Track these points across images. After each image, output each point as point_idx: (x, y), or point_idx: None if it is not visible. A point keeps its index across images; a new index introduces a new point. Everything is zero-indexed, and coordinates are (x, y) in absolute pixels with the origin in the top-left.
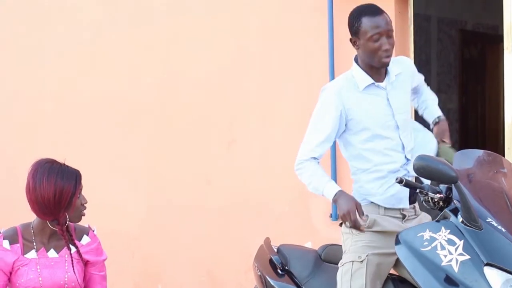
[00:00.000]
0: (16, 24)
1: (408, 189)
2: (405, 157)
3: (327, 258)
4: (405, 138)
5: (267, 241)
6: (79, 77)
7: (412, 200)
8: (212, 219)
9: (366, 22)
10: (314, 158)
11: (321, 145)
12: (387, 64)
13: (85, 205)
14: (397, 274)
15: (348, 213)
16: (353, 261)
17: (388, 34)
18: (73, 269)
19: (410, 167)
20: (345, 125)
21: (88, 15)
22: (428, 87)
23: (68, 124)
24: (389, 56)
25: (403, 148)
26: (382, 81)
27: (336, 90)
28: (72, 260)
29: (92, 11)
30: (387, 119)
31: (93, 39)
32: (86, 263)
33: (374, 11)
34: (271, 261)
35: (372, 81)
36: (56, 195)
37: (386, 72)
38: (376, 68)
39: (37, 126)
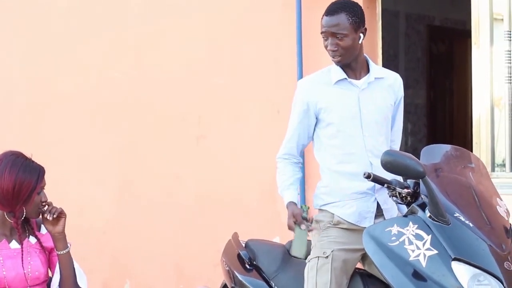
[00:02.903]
0: None
1: (375, 207)
2: (369, 161)
3: None
4: (368, 140)
5: (235, 236)
6: (49, 72)
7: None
8: (181, 214)
9: (321, 20)
10: (288, 154)
11: (290, 141)
12: (338, 63)
13: (44, 202)
14: (364, 269)
15: (291, 216)
16: (318, 257)
17: (334, 35)
18: (27, 260)
19: (380, 192)
20: (316, 118)
21: (59, 11)
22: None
23: (37, 120)
24: (336, 56)
25: (366, 150)
26: (358, 79)
27: (304, 84)
28: (23, 251)
29: (64, 7)
30: (352, 116)
31: (63, 35)
32: (50, 251)
33: (328, 10)
34: (239, 256)
35: (345, 76)
36: (16, 187)
37: (368, 72)
38: (353, 65)
39: (7, 122)
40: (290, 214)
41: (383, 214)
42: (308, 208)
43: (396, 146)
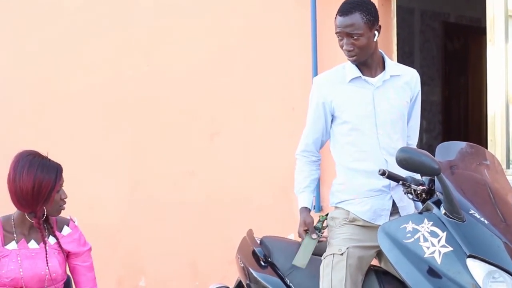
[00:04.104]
0: None
1: (390, 204)
2: (384, 158)
3: None
4: (383, 138)
5: (250, 233)
6: (61, 71)
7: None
8: (195, 212)
9: (335, 20)
10: (307, 151)
11: (307, 137)
12: (354, 62)
13: (64, 199)
14: (380, 266)
15: (303, 224)
16: (334, 254)
17: (349, 35)
18: (45, 260)
19: (395, 190)
20: (332, 115)
21: (70, 9)
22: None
23: (50, 118)
24: (352, 56)
25: (380, 148)
26: (373, 77)
27: (318, 82)
28: (47, 251)
29: (75, 5)
30: (366, 115)
31: (75, 33)
32: (68, 254)
33: (342, 10)
34: (254, 253)
35: (359, 74)
36: (35, 188)
37: (384, 70)
38: (368, 62)
39: (19, 120)
40: (302, 221)
41: (398, 212)
42: (325, 218)
43: (412, 142)
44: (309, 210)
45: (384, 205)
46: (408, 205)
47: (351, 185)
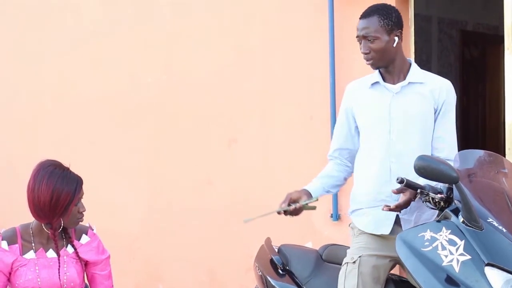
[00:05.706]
0: (17, 23)
1: (394, 214)
2: (389, 166)
3: (328, 258)
4: (395, 144)
5: (268, 241)
6: (80, 76)
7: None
8: (213, 219)
9: (357, 24)
10: (332, 156)
11: (333, 142)
12: (372, 66)
13: (82, 212)
14: (399, 275)
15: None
16: (347, 263)
17: (365, 38)
18: (63, 269)
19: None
20: (355, 121)
21: (88, 14)
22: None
23: (69, 124)
24: (369, 59)
25: (389, 154)
26: (394, 83)
27: (349, 87)
28: (60, 263)
29: (93, 10)
30: (380, 120)
31: (93, 38)
32: (86, 263)
33: (363, 14)
34: (272, 261)
35: (378, 79)
36: (53, 199)
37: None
38: (390, 69)
39: (38, 126)
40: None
41: (401, 225)
42: (316, 199)
43: (442, 154)
44: (305, 190)
45: (388, 214)
46: (414, 221)
47: (356, 194)
